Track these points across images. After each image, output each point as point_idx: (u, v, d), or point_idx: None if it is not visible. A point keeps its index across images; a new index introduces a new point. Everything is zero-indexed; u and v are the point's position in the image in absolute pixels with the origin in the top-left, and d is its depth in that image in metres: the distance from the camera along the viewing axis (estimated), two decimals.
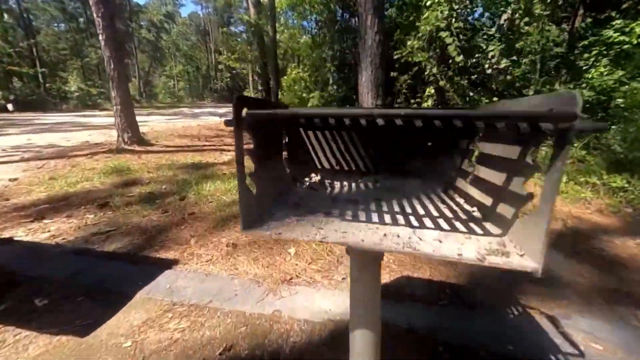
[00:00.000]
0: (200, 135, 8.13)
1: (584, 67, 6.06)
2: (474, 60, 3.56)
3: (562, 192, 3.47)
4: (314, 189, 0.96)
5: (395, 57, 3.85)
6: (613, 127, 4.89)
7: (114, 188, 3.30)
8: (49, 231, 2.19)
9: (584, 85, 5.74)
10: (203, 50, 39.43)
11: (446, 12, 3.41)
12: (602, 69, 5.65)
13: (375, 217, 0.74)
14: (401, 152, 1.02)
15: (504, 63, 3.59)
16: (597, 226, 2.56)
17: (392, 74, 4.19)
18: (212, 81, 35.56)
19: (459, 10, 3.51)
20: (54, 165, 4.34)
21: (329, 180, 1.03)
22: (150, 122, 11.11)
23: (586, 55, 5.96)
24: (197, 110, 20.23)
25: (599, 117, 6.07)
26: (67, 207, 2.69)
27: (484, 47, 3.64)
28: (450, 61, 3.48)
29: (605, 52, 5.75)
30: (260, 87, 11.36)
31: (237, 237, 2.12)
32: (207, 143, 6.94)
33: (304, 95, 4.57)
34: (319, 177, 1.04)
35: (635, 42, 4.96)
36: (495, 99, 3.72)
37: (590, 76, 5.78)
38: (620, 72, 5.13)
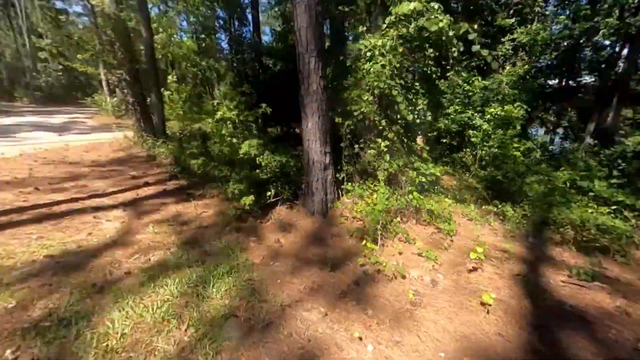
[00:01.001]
0: (34, 177, 5.20)
1: None
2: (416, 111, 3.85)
3: (471, 216, 4.30)
4: None
5: (346, 106, 3.67)
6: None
7: None
8: None
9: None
10: (4, 27, 26.66)
11: (394, 65, 3.51)
12: None
13: None
14: None
15: (429, 115, 4.06)
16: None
17: (336, 119, 4.00)
18: (28, 75, 24.61)
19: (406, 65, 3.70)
20: None
21: None
22: None
23: None
24: (8, 121, 13.29)
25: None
26: None
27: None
28: (398, 116, 3.64)
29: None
30: (131, 99, 8.73)
31: None
32: (55, 195, 4.42)
33: (234, 140, 3.61)
34: None
35: None
36: (420, 143, 4.17)
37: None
38: None
